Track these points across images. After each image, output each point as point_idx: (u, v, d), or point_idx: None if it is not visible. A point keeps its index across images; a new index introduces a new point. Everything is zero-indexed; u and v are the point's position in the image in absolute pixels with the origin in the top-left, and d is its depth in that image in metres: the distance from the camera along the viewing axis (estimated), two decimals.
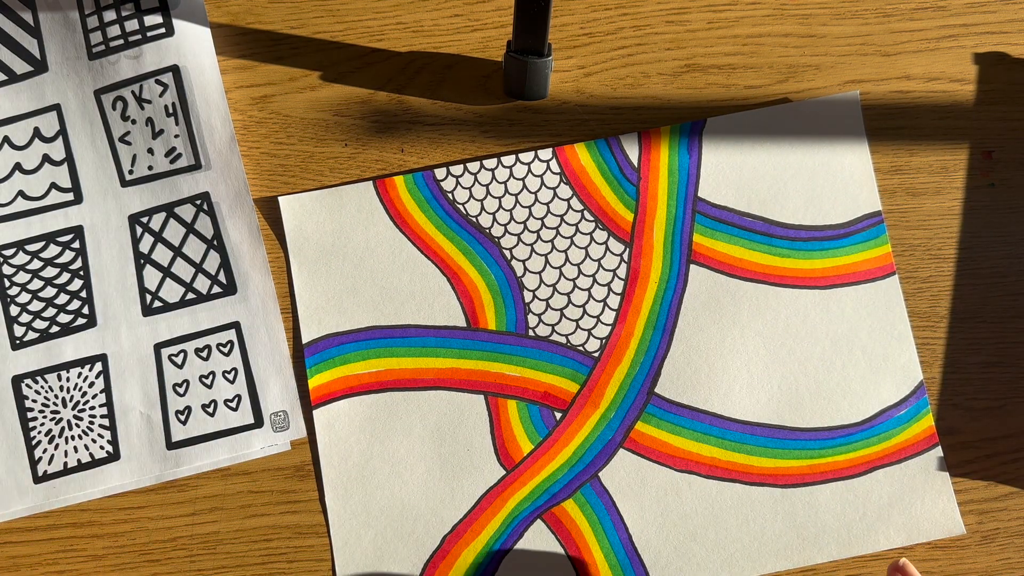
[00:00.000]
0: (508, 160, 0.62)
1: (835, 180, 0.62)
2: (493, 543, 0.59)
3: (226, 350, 0.60)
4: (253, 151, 0.62)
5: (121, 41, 0.60)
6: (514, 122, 0.63)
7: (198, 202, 0.60)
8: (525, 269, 0.61)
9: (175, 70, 0.60)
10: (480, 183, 0.62)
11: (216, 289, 0.60)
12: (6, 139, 0.61)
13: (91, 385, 0.59)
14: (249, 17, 0.64)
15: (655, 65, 0.63)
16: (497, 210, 0.62)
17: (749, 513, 0.59)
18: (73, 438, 0.59)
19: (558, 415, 0.60)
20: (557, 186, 0.62)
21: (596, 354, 0.60)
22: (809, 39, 0.63)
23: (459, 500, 0.59)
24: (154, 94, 0.60)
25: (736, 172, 0.62)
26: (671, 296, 0.61)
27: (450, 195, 0.62)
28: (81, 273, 0.60)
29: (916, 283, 0.61)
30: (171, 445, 0.59)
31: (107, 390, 0.59)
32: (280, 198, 0.62)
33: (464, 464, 0.59)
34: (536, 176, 0.62)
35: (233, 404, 0.59)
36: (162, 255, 0.60)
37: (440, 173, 0.62)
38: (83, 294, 0.60)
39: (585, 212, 0.62)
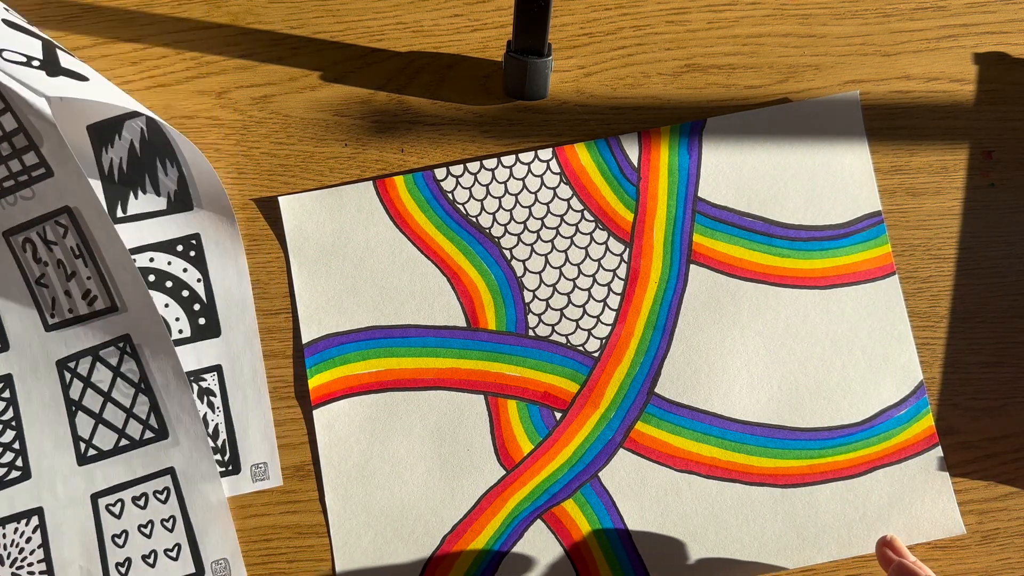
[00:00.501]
0: (508, 160, 0.62)
1: (835, 180, 0.62)
2: (493, 543, 0.59)
3: (163, 497, 0.58)
4: (253, 151, 0.62)
5: (12, 182, 0.57)
6: (514, 122, 0.63)
7: (120, 344, 0.58)
8: (525, 269, 0.61)
9: (68, 211, 0.57)
10: (480, 183, 0.62)
11: (148, 434, 0.58)
12: None
13: (28, 540, 0.57)
14: (249, 17, 0.64)
15: (655, 65, 0.63)
16: (497, 210, 0.62)
17: (749, 513, 0.59)
18: None
19: (558, 415, 0.60)
20: (557, 186, 0.62)
21: (596, 354, 0.60)
22: (809, 39, 0.63)
23: (459, 500, 0.59)
24: (58, 235, 0.57)
25: (736, 172, 0.62)
26: (671, 296, 0.61)
27: (450, 195, 0.62)
28: (13, 424, 0.58)
29: (916, 283, 0.61)
30: None
31: (44, 545, 0.57)
32: (280, 198, 0.62)
33: (464, 464, 0.59)
34: (536, 176, 0.62)
35: (173, 553, 0.58)
36: (92, 401, 0.58)
37: (440, 173, 0.62)
38: (15, 445, 0.58)
39: (585, 212, 0.62)
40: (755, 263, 0.61)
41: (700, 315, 0.61)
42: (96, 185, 0.60)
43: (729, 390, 0.60)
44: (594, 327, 0.61)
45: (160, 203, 0.60)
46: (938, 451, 0.59)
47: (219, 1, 0.64)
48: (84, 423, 0.58)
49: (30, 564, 0.58)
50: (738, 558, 0.58)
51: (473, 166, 0.62)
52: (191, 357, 0.59)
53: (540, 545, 0.59)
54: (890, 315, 0.61)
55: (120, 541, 0.58)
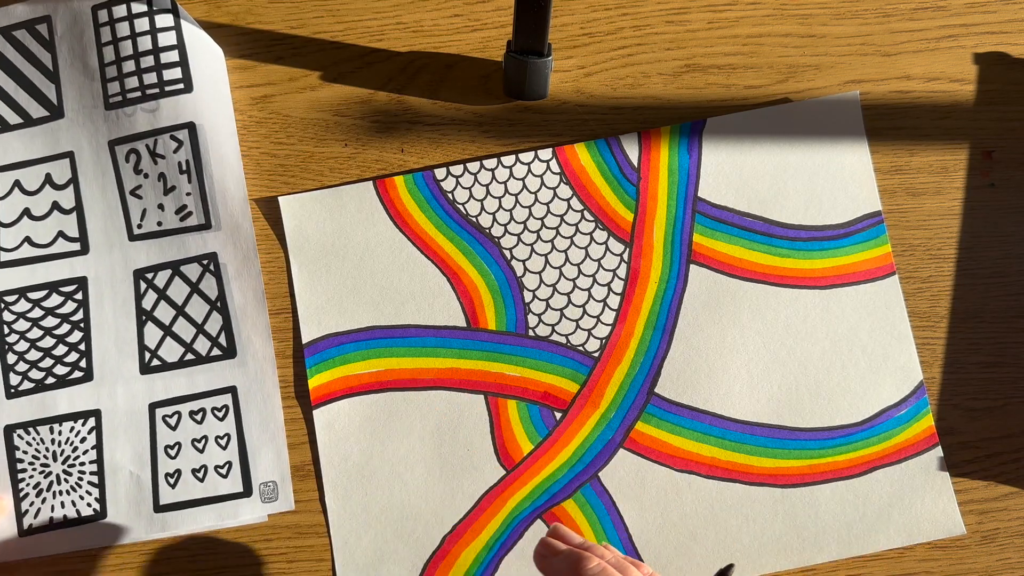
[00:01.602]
0: (508, 160, 0.62)
1: (835, 180, 0.62)
2: (493, 543, 0.59)
3: (221, 415, 0.59)
4: (253, 151, 0.62)
5: (139, 93, 0.59)
6: (514, 122, 0.63)
7: (205, 262, 0.60)
8: (525, 269, 0.61)
9: (191, 127, 0.59)
10: (480, 183, 0.62)
11: (216, 352, 0.59)
12: (17, 183, 0.60)
13: (83, 440, 0.59)
14: (249, 17, 0.64)
15: (655, 65, 0.63)
16: (497, 210, 0.62)
17: (749, 513, 0.59)
18: (61, 493, 0.58)
19: (558, 415, 0.60)
20: (557, 186, 0.62)
21: (596, 354, 0.60)
22: (809, 39, 0.63)
23: (459, 500, 0.59)
24: (168, 150, 0.59)
25: (736, 172, 0.62)
26: (671, 296, 0.61)
27: (450, 195, 0.62)
28: (82, 325, 0.60)
29: (916, 283, 0.61)
30: (158, 508, 0.58)
31: (98, 446, 0.59)
32: (280, 198, 0.62)
33: (464, 464, 0.59)
34: (536, 176, 0.62)
35: (224, 471, 0.58)
36: (164, 313, 0.60)
37: (440, 173, 0.62)
38: (82, 347, 0.59)
39: (585, 212, 0.62)
40: (755, 263, 0.61)
41: (700, 315, 0.61)
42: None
43: (729, 390, 0.60)
44: (594, 327, 0.61)
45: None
46: (938, 451, 0.59)
47: (219, 1, 0.64)
48: (152, 333, 0.59)
49: (82, 464, 0.59)
50: (738, 558, 0.58)
51: (473, 166, 0.62)
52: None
53: None
54: (890, 315, 0.61)
55: (172, 452, 0.59)
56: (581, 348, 0.60)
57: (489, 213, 0.62)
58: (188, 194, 0.59)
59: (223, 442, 0.59)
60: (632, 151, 0.62)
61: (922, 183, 0.62)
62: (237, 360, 0.59)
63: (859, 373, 0.60)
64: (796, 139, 0.62)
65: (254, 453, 0.59)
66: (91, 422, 0.59)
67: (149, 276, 0.59)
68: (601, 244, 0.61)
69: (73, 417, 0.59)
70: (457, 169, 0.62)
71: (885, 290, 0.61)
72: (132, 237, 0.60)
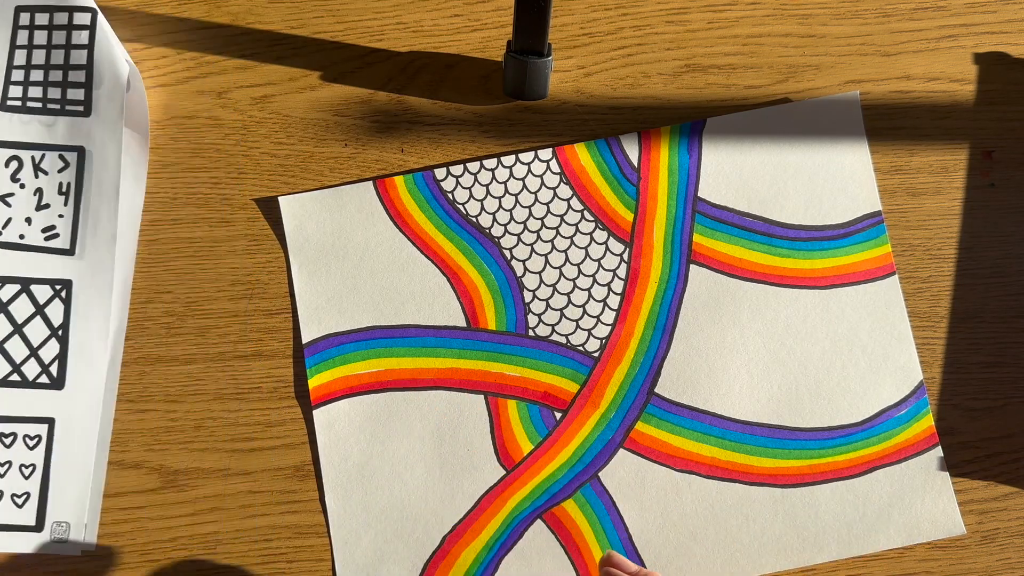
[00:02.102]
0: (508, 160, 0.62)
1: (835, 180, 0.62)
2: (493, 543, 0.59)
3: (32, 444, 0.58)
4: (253, 151, 0.62)
5: (39, 104, 0.59)
6: (514, 122, 0.63)
7: (58, 287, 0.58)
8: (525, 269, 0.61)
9: (81, 151, 0.58)
10: (480, 183, 0.62)
11: (44, 379, 0.58)
12: None
13: None
14: (249, 17, 0.64)
15: (655, 65, 0.63)
16: (497, 210, 0.62)
17: (749, 513, 0.59)
18: None
19: (558, 415, 0.60)
20: (557, 186, 0.62)
21: (596, 354, 0.60)
22: (809, 39, 0.63)
23: (459, 500, 0.59)
24: (53, 168, 0.58)
25: (736, 172, 0.62)
26: (671, 296, 0.61)
27: (450, 195, 0.62)
28: None
29: (916, 283, 0.61)
30: None
31: None
32: (280, 198, 0.62)
33: (464, 464, 0.59)
34: (536, 176, 0.62)
35: (20, 500, 0.57)
36: (0, 327, 0.59)
37: (440, 173, 0.62)
38: None
39: (585, 212, 0.62)
40: (755, 263, 0.61)
41: (700, 315, 0.61)
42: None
43: (729, 390, 0.60)
44: (594, 327, 0.61)
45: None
46: (938, 451, 0.59)
47: (219, 1, 0.64)
48: None
49: None
50: (738, 558, 0.58)
51: (473, 166, 0.62)
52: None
53: (540, 545, 0.59)
54: (890, 315, 0.61)
55: None
56: (581, 348, 0.60)
57: (489, 213, 0.62)
58: (60, 216, 0.58)
59: (27, 471, 0.57)
60: (632, 151, 0.62)
61: (922, 183, 0.62)
62: (64, 393, 0.58)
63: (859, 373, 0.60)
64: (796, 139, 0.62)
65: (56, 490, 0.58)
66: None
67: None
68: (601, 244, 0.61)
69: None
70: (457, 169, 0.62)
71: (885, 290, 0.61)
72: None
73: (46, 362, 0.58)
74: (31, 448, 0.58)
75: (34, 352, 0.58)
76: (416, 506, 0.59)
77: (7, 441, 0.58)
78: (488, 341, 0.61)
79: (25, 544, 0.58)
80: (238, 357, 0.61)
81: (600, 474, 0.59)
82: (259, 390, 0.61)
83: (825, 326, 0.60)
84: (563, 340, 0.60)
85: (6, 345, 0.59)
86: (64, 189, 0.59)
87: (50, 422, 0.58)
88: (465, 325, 0.61)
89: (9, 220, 0.59)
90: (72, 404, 0.58)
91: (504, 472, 0.59)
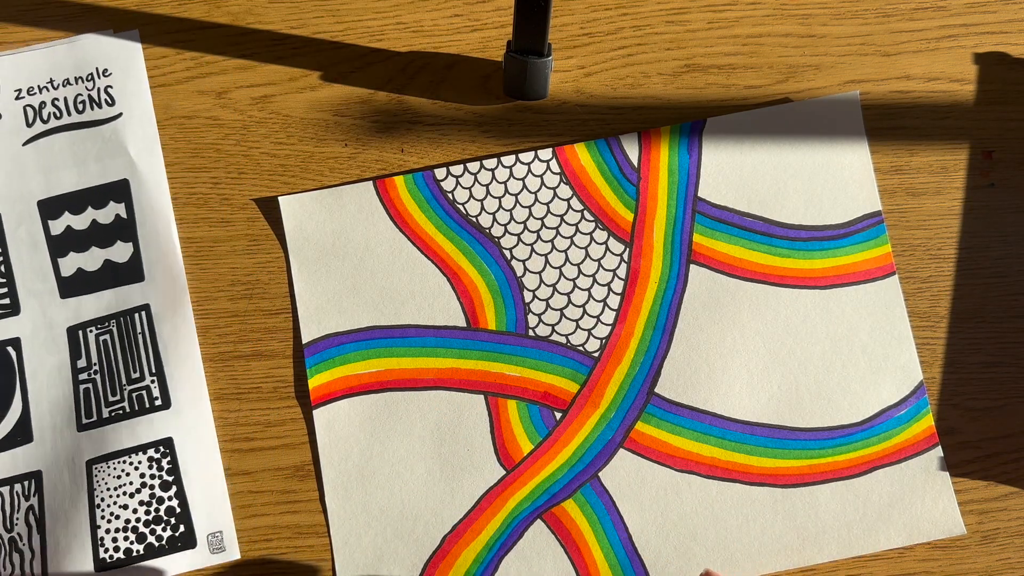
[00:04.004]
0: (508, 160, 0.62)
1: (835, 180, 0.62)
2: (493, 543, 0.59)
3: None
4: (253, 151, 0.62)
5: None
6: (514, 122, 0.63)
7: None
8: (525, 269, 0.61)
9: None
10: (480, 183, 0.62)
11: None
12: None
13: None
14: (249, 17, 0.64)
15: (655, 65, 0.63)
16: (497, 210, 0.62)
17: (749, 513, 0.59)
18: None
19: (558, 415, 0.60)
20: (557, 186, 0.62)
21: (596, 354, 0.60)
22: (809, 39, 0.63)
23: (459, 500, 0.59)
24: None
25: (736, 172, 0.62)
26: (671, 296, 0.61)
27: (450, 195, 0.62)
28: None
29: (916, 283, 0.61)
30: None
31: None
32: (280, 198, 0.62)
33: (464, 464, 0.59)
34: (536, 176, 0.62)
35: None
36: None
37: (440, 173, 0.62)
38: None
39: (585, 212, 0.62)
40: (755, 263, 0.61)
41: (700, 315, 0.61)
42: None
43: (729, 390, 0.60)
44: (594, 327, 0.61)
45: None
46: (938, 451, 0.59)
47: (219, 1, 0.64)
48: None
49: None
50: (738, 558, 0.58)
51: (473, 166, 0.62)
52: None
53: (540, 545, 0.59)
54: (890, 315, 0.61)
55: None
56: (581, 348, 0.60)
57: (489, 213, 0.62)
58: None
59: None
60: (632, 151, 0.62)
61: (922, 183, 0.62)
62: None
63: (859, 373, 0.60)
64: (796, 139, 0.62)
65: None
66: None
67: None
68: (601, 244, 0.61)
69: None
70: (457, 169, 0.62)
71: (885, 290, 0.61)
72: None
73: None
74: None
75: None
76: (416, 506, 0.59)
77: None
78: (488, 341, 0.61)
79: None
80: (238, 357, 0.61)
81: (600, 474, 0.59)
82: (259, 390, 0.61)
83: (825, 326, 0.60)
84: (563, 340, 0.60)
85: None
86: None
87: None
88: (465, 325, 0.61)
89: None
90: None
91: (504, 472, 0.59)
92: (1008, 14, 0.63)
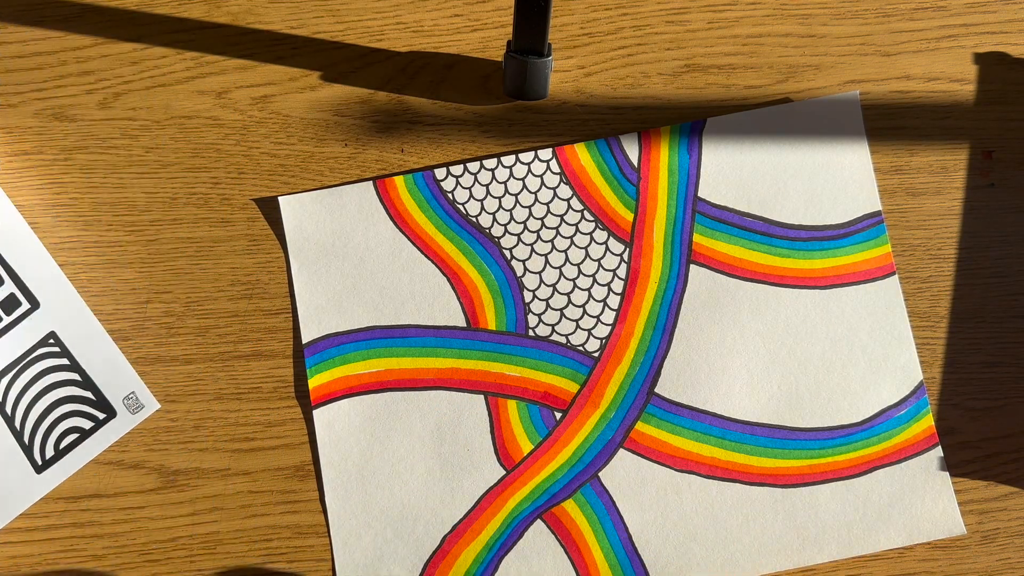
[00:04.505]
0: (508, 160, 0.62)
1: (835, 180, 0.62)
2: (493, 543, 0.59)
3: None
4: (253, 151, 0.62)
5: None
6: (514, 122, 0.63)
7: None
8: (525, 269, 0.61)
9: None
10: (480, 183, 0.62)
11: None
12: None
13: None
14: (249, 17, 0.64)
15: (655, 65, 0.63)
16: (497, 210, 0.62)
17: (749, 513, 0.59)
18: None
19: (558, 415, 0.60)
20: (557, 186, 0.62)
21: (596, 354, 0.60)
22: (809, 39, 0.63)
23: (459, 500, 0.59)
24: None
25: (736, 172, 0.62)
26: (671, 296, 0.61)
27: (450, 195, 0.62)
28: None
29: (916, 283, 0.61)
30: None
31: None
32: (280, 198, 0.62)
33: (464, 464, 0.59)
34: (536, 176, 0.62)
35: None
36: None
37: (440, 173, 0.62)
38: None
39: (585, 212, 0.62)
40: (755, 263, 0.61)
41: (700, 315, 0.61)
42: None
43: (729, 390, 0.60)
44: (594, 327, 0.61)
45: None
46: (938, 451, 0.59)
47: (219, 1, 0.64)
48: None
49: None
50: (738, 558, 0.58)
51: (473, 166, 0.62)
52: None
53: (540, 545, 0.59)
54: (890, 315, 0.61)
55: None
56: (581, 348, 0.60)
57: (489, 213, 0.62)
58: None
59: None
60: (632, 151, 0.62)
61: (922, 183, 0.62)
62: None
63: (859, 373, 0.60)
64: (796, 139, 0.62)
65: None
66: None
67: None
68: (601, 244, 0.61)
69: None
70: (457, 169, 0.62)
71: (885, 290, 0.61)
72: None
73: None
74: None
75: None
76: (416, 506, 0.59)
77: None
78: (488, 341, 0.61)
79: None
80: (238, 357, 0.61)
81: (600, 474, 0.59)
82: (259, 390, 0.61)
83: (825, 326, 0.60)
84: (563, 340, 0.60)
85: None
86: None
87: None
88: (465, 325, 0.61)
89: None
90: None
91: (504, 472, 0.59)
92: (1008, 14, 0.63)
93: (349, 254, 0.61)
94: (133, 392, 0.60)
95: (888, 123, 0.62)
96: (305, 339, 0.61)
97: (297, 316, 0.61)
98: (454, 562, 0.59)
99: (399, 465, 0.59)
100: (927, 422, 0.60)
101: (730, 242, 0.61)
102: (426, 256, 0.61)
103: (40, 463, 0.60)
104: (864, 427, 0.59)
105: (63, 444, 0.60)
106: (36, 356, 0.61)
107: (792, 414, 0.60)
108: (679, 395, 0.60)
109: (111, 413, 0.60)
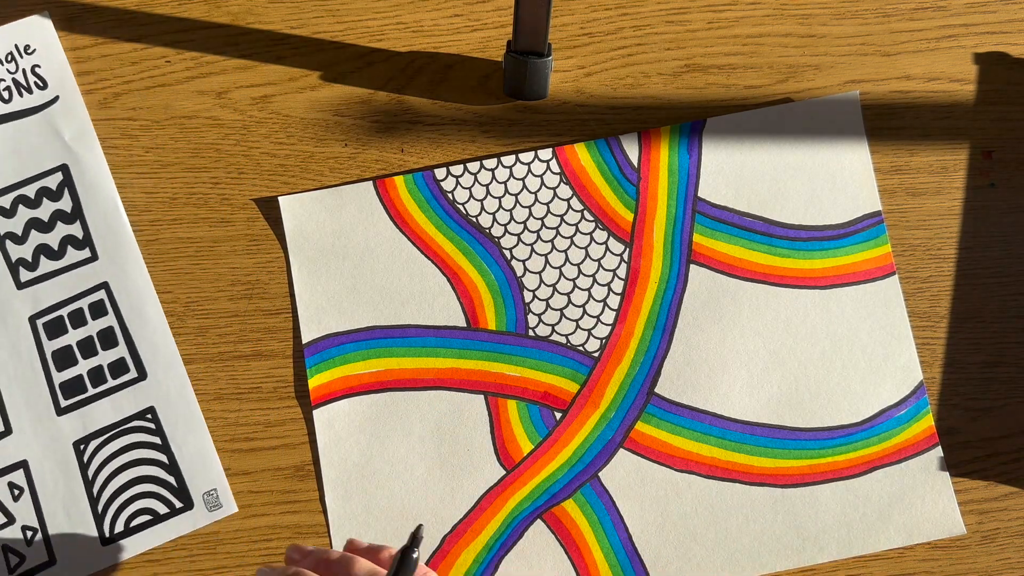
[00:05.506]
0: (508, 160, 0.62)
1: (835, 180, 0.62)
2: (493, 543, 0.59)
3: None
4: (253, 151, 0.62)
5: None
6: (514, 122, 0.63)
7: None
8: (525, 269, 0.61)
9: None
10: (480, 183, 0.62)
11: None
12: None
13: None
14: (249, 17, 0.64)
15: (655, 65, 0.63)
16: (497, 210, 0.62)
17: (749, 513, 0.59)
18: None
19: (558, 415, 0.60)
20: (557, 186, 0.62)
21: (596, 354, 0.60)
22: (809, 39, 0.63)
23: (459, 500, 0.59)
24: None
25: (736, 172, 0.62)
26: (671, 296, 0.61)
27: (450, 195, 0.62)
28: None
29: (916, 283, 0.61)
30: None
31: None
32: (280, 198, 0.62)
33: (464, 464, 0.59)
34: (536, 176, 0.62)
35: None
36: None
37: (440, 173, 0.62)
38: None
39: (585, 212, 0.62)
40: (755, 263, 0.61)
41: (700, 315, 0.61)
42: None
43: (729, 390, 0.60)
44: (594, 327, 0.61)
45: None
46: (938, 451, 0.59)
47: (219, 1, 0.64)
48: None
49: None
50: (738, 558, 0.58)
51: (473, 166, 0.62)
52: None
53: (540, 545, 0.59)
54: (890, 315, 0.61)
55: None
56: (581, 348, 0.60)
57: (489, 213, 0.62)
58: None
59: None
60: (632, 151, 0.62)
61: (922, 183, 0.62)
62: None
63: (859, 373, 0.60)
64: (796, 139, 0.62)
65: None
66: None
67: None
68: (601, 244, 0.61)
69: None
70: (457, 169, 0.62)
71: (885, 290, 0.61)
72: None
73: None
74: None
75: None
76: (416, 506, 0.59)
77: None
78: (488, 341, 0.61)
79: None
80: (238, 357, 0.61)
81: (600, 474, 0.59)
82: (259, 390, 0.61)
83: (825, 326, 0.60)
84: (563, 340, 0.60)
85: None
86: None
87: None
88: (465, 325, 0.61)
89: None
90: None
91: (504, 472, 0.59)
92: (1008, 14, 0.63)
93: (349, 254, 0.61)
94: (215, 490, 0.59)
95: (888, 123, 0.62)
96: (305, 339, 0.61)
97: (297, 316, 0.61)
98: (454, 562, 0.59)
99: (399, 465, 0.59)
100: (927, 422, 0.60)
101: (730, 242, 0.61)
102: (426, 256, 0.61)
103: (107, 536, 0.58)
104: (864, 427, 0.59)
105: (133, 523, 0.58)
106: (130, 427, 0.59)
107: (792, 414, 0.60)
108: (679, 395, 0.60)
109: (188, 504, 0.59)
